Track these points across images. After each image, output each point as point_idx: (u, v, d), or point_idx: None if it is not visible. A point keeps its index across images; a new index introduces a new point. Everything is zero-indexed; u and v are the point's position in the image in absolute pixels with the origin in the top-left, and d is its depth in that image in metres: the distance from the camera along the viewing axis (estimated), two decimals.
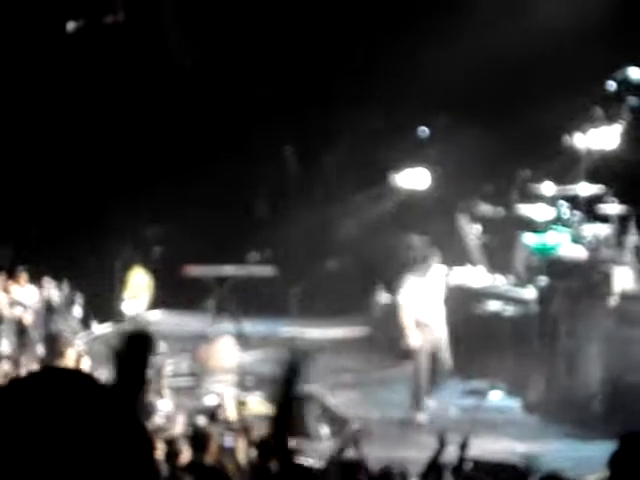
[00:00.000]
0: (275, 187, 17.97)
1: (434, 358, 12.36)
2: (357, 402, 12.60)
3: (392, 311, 16.29)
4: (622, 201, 13.39)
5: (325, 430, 11.51)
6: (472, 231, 15.49)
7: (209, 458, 7.40)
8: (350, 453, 7.90)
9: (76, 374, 1.50)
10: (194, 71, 17.61)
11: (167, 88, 17.65)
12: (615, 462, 3.90)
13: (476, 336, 13.89)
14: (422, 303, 12.43)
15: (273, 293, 15.26)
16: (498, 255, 15.15)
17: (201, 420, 9.51)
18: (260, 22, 17.57)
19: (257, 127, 17.33)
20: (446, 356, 12.42)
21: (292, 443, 8.68)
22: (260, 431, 9.27)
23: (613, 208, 13.45)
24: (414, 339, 12.21)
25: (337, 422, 11.59)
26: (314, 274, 16.13)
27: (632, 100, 13.34)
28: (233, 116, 17.58)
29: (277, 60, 17.59)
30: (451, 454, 7.33)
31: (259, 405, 12.39)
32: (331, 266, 17.00)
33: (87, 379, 1.48)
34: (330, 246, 17.12)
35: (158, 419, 10.12)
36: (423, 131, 16.55)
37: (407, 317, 12.31)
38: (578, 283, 12.63)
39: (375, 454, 8.30)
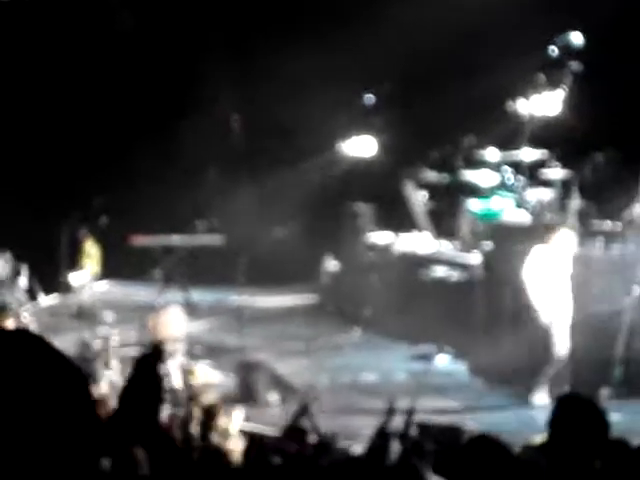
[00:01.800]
0: (222, 156, 17.90)
1: None
2: (306, 369, 12.67)
3: (340, 278, 16.39)
4: (565, 166, 13.56)
5: (274, 397, 11.58)
6: (418, 198, 15.59)
7: None
8: (302, 420, 7.98)
9: (24, 334, 1.60)
10: (135, 38, 17.43)
11: (109, 54, 17.46)
12: (553, 424, 3.97)
13: (422, 301, 14.02)
14: None
15: (221, 262, 15.25)
16: (444, 221, 15.27)
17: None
18: None
19: (204, 95, 17.22)
20: None
21: (243, 411, 8.78)
22: (208, 399, 9.31)
23: (556, 173, 13.61)
24: None
25: (286, 389, 11.66)
26: (262, 242, 16.12)
27: (574, 65, 13.46)
28: (179, 83, 17.45)
29: (221, 28, 17.47)
30: (399, 419, 7.43)
31: (207, 373, 12.43)
32: (279, 234, 17.01)
33: (35, 339, 1.57)
34: (277, 214, 17.12)
35: (104, 388, 10.12)
36: (369, 99, 16.56)
37: None
38: (521, 247, 12.78)
39: (324, 421, 8.37)
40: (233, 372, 11.98)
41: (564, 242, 11.15)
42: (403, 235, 15.31)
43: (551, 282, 11.52)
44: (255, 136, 17.86)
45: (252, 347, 13.11)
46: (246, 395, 11.52)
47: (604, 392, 10.82)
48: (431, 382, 12.19)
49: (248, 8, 17.55)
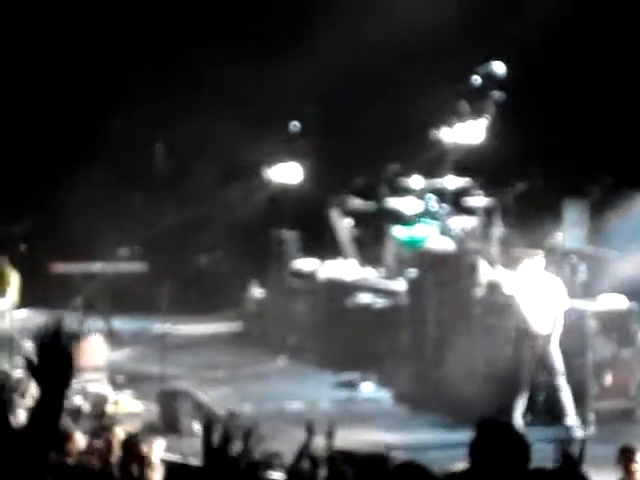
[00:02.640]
0: (146, 182, 17.74)
1: None
2: (230, 397, 12.54)
3: (265, 305, 16.30)
4: (487, 194, 13.68)
5: (198, 426, 11.43)
6: (343, 225, 15.60)
7: (71, 459, 7.24)
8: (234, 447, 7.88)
9: None
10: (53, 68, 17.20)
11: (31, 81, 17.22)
12: (473, 450, 3.94)
13: (348, 328, 14.00)
14: None
15: (144, 289, 15.06)
16: (369, 248, 15.30)
17: (63, 420, 9.30)
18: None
19: (127, 120, 17.05)
20: None
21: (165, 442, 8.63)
22: (129, 428, 9.15)
23: (479, 201, 13.72)
24: None
25: (210, 418, 11.51)
26: (186, 269, 15.99)
27: (496, 94, 13.62)
28: (102, 108, 17.26)
29: (146, 53, 17.34)
30: (321, 446, 7.38)
31: (129, 403, 12.23)
32: (203, 261, 16.88)
33: None
34: (202, 241, 16.99)
35: (21, 417, 9.87)
36: (295, 125, 16.57)
37: None
38: (446, 275, 12.85)
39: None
40: (155, 401, 11.79)
41: (532, 268, 11.17)
42: (328, 262, 15.29)
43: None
44: (179, 163, 17.73)
45: (175, 376, 12.94)
46: (169, 424, 11.35)
47: (526, 418, 10.88)
48: (356, 410, 12.16)
49: (174, 37, 17.46)
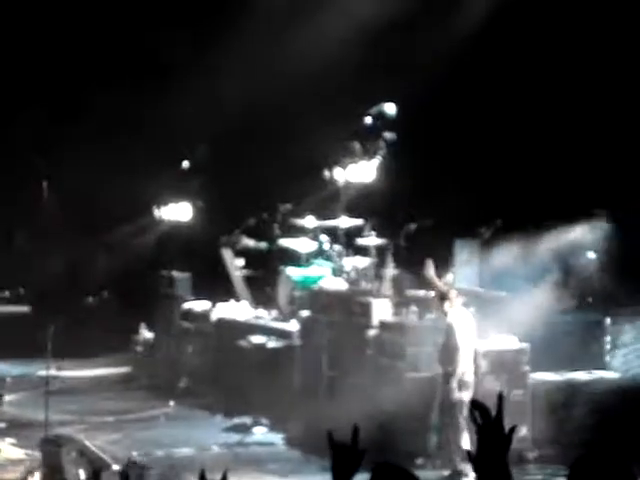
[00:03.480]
0: (30, 221, 17.30)
1: None
2: (118, 443, 12.19)
3: (154, 348, 15.95)
4: (379, 234, 13.68)
5: (83, 474, 11.05)
6: (236, 265, 15.41)
7: None
8: None
9: None
10: None
11: None
12: None
13: (239, 371, 13.78)
14: None
15: (27, 333, 14.59)
16: (261, 289, 15.14)
17: None
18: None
19: (12, 158, 16.63)
20: None
21: None
22: (12, 476, 8.76)
23: (371, 240, 13.72)
24: None
25: (96, 465, 11.14)
26: (72, 311, 15.54)
27: (388, 135, 13.69)
28: None
29: (33, 89, 16.97)
30: None
31: (11, 450, 11.80)
32: (91, 302, 16.46)
33: None
34: (89, 282, 16.57)
35: None
36: (185, 163, 16.39)
37: None
38: (339, 315, 12.76)
39: None
40: (39, 448, 11.36)
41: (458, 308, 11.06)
42: (220, 303, 15.06)
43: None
44: (66, 201, 17.34)
45: (60, 421, 12.53)
46: (53, 472, 10.92)
47: (419, 461, 10.79)
48: (247, 454, 11.94)
49: (61, 76, 17.16)
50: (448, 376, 10.92)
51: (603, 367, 13.05)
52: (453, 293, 11.35)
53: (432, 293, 11.51)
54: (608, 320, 13.29)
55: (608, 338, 13.25)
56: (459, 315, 11.08)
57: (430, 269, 11.47)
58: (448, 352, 10.96)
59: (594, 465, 3.26)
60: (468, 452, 3.64)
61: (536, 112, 14.04)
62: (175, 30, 16.44)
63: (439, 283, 11.41)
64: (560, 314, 12.88)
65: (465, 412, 10.62)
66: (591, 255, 13.48)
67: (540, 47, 14.30)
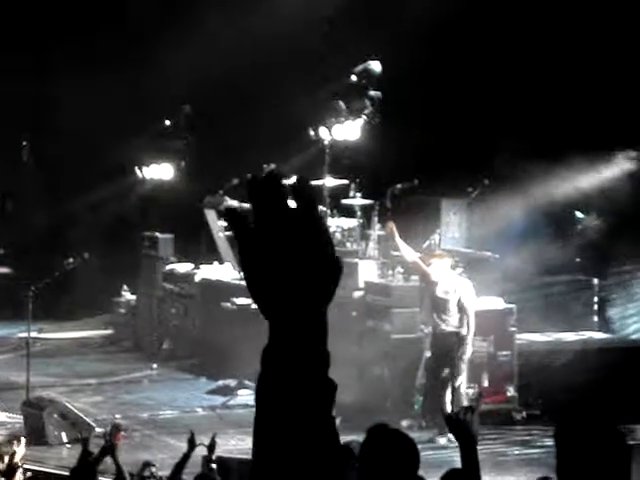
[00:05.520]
0: (11, 182, 17.06)
1: None
2: (101, 406, 12.07)
3: (137, 310, 15.79)
4: (365, 194, 13.52)
5: (65, 436, 10.93)
6: (219, 226, 15.23)
7: None
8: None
9: None
10: None
11: None
12: (363, 453, 3.79)
13: (223, 333, 13.65)
14: None
15: (8, 295, 14.42)
16: None
17: None
18: None
19: None
20: None
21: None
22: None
23: (357, 201, 13.55)
24: None
25: (79, 427, 11.02)
26: (53, 273, 15.36)
27: (373, 93, 13.48)
28: None
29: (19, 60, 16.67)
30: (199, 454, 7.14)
31: None
32: (72, 264, 16.26)
33: None
34: (70, 243, 16.36)
35: None
36: (168, 124, 16.18)
37: None
38: None
39: (122, 457, 7.87)
40: (20, 411, 11.23)
41: (442, 269, 10.89)
42: (204, 265, 14.90)
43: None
44: (48, 163, 17.10)
45: (41, 384, 12.38)
46: (35, 435, 10.80)
47: (404, 423, 10.71)
48: (231, 415, 11.85)
49: (41, 33, 16.85)
50: (463, 338, 10.69)
51: (591, 328, 13.01)
52: (438, 254, 11.21)
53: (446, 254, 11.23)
54: (596, 281, 13.23)
55: (596, 299, 13.19)
56: (445, 274, 10.94)
57: (393, 234, 11.30)
58: (455, 311, 10.75)
59: (580, 424, 3.19)
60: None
61: (523, 68, 13.82)
62: None
63: (404, 249, 11.24)
64: (548, 275, 12.81)
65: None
66: (579, 215, 13.39)
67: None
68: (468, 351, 10.78)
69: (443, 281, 10.89)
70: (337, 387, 1.46)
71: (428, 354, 11.16)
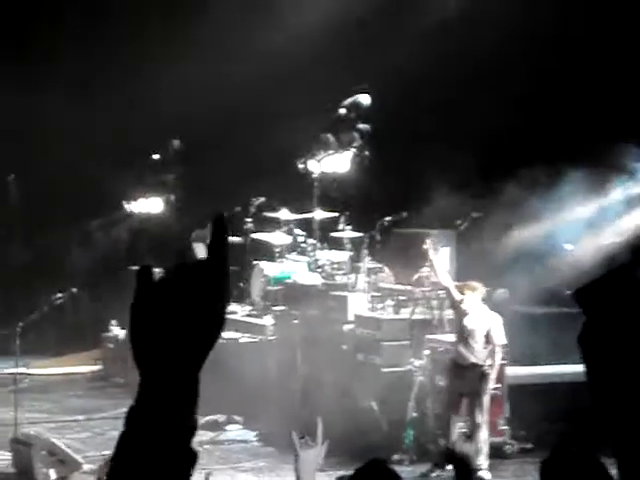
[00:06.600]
0: None
1: None
2: (89, 442, 11.96)
3: (126, 345, 15.69)
4: (354, 227, 13.51)
5: (53, 473, 10.81)
6: None
7: None
8: None
9: None
10: None
11: None
12: None
13: (212, 367, 13.54)
14: None
15: None
16: (235, 283, 14.92)
17: None
18: None
19: None
20: None
21: None
22: None
23: (346, 234, 13.53)
24: None
25: (67, 464, 10.90)
26: (41, 308, 15.29)
27: (362, 126, 13.52)
28: None
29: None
30: None
31: None
32: (60, 299, 16.18)
33: None
34: (59, 277, 16.28)
35: None
36: (157, 158, 16.17)
37: None
38: (314, 310, 12.58)
39: None
40: (8, 448, 11.11)
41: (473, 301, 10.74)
42: None
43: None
44: (33, 196, 17.05)
45: (29, 420, 12.26)
46: (22, 473, 10.68)
47: (395, 457, 10.62)
48: (221, 452, 11.76)
49: (28, 65, 16.86)
50: (484, 371, 10.53)
51: (578, 360, 12.93)
52: (472, 285, 10.93)
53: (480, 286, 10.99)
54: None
55: None
56: (477, 305, 10.76)
57: (430, 252, 11.15)
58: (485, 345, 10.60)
59: (564, 462, 3.15)
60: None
61: (514, 98, 13.87)
62: (145, 18, 16.23)
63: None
64: (535, 307, 12.77)
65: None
66: (568, 247, 13.38)
67: (513, 35, 14.13)
68: (491, 385, 10.61)
69: (473, 312, 10.72)
70: (197, 457, 1.43)
71: (417, 386, 11.06)
